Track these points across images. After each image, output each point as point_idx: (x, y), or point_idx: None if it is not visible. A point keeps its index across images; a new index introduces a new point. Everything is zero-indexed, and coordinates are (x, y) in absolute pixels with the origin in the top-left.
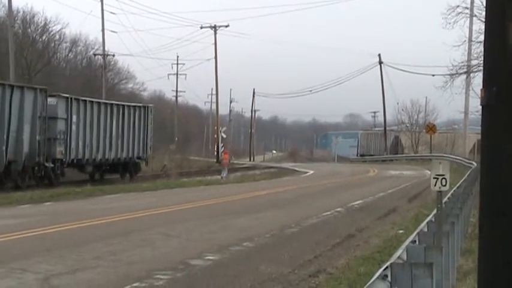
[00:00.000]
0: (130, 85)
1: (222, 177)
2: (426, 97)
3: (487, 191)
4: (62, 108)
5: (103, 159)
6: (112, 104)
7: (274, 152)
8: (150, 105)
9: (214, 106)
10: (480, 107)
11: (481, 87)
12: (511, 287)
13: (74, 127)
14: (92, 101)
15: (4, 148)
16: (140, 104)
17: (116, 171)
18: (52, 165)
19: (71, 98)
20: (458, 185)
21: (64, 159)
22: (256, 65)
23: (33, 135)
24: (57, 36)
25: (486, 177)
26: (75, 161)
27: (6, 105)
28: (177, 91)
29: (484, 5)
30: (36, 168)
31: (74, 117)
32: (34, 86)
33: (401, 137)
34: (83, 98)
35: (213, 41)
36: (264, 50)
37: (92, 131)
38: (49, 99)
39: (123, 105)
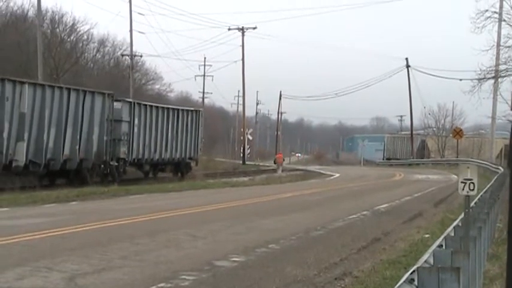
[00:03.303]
0: (157, 86)
1: (278, 174)
2: (453, 102)
3: None
4: (126, 112)
5: (159, 159)
6: (168, 108)
7: (298, 155)
8: (201, 109)
9: (240, 108)
10: (508, 112)
11: (509, 92)
12: None
13: (135, 129)
14: (152, 105)
15: (77, 147)
16: (192, 108)
17: (169, 170)
18: (116, 163)
19: (134, 103)
20: (485, 190)
21: (126, 159)
22: (283, 67)
23: (101, 136)
24: (85, 37)
25: None
26: (135, 160)
27: (79, 108)
28: (204, 92)
29: None
30: (102, 166)
31: (136, 120)
32: (103, 91)
33: (427, 141)
34: (144, 103)
35: (241, 43)
36: (291, 52)
37: (150, 133)
38: (115, 104)
39: (178, 109)
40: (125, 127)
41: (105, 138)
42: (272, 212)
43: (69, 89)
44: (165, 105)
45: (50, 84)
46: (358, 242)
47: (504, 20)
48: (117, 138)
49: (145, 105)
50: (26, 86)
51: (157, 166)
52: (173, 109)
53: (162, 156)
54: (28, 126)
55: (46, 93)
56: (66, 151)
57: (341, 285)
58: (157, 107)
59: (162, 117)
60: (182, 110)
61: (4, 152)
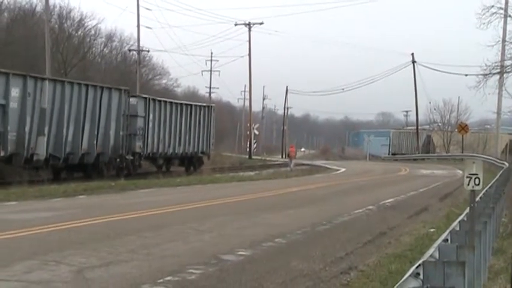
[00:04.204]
0: (164, 81)
1: (290, 169)
2: (459, 97)
3: None
4: (141, 107)
5: (173, 154)
6: (182, 103)
7: (303, 149)
8: (213, 105)
9: (247, 103)
10: None
11: None
12: None
13: (150, 124)
14: (166, 101)
15: (95, 142)
16: (204, 104)
17: (182, 164)
18: (132, 157)
19: (149, 98)
20: (490, 185)
21: (142, 153)
22: (290, 62)
23: (118, 131)
24: (93, 32)
25: None
26: (150, 154)
27: (97, 104)
28: (210, 87)
29: None
30: (118, 160)
31: (151, 116)
32: (119, 88)
33: (433, 136)
34: (158, 98)
35: (247, 38)
36: (298, 47)
37: (164, 128)
38: (131, 99)
39: (191, 105)
40: (140, 122)
41: (121, 133)
42: (278, 206)
43: (87, 85)
44: (179, 101)
45: (69, 80)
46: (363, 236)
47: (510, 16)
48: (133, 133)
49: (160, 100)
50: (47, 82)
51: (170, 160)
52: (186, 105)
53: (176, 151)
54: (48, 121)
55: (65, 89)
56: (84, 145)
57: (346, 279)
58: (171, 102)
59: (175, 113)
60: (195, 105)
61: (26, 145)
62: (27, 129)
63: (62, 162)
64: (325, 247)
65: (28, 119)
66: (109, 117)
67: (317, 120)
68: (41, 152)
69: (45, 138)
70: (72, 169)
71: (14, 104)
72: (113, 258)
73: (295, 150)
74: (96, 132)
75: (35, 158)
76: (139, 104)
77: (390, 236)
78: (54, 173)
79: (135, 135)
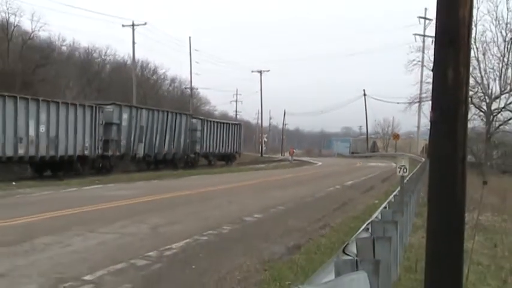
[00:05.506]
0: (207, 107)
1: (290, 162)
2: (393, 117)
3: (433, 175)
4: (199, 125)
5: (218, 153)
6: (224, 122)
7: (294, 150)
8: (241, 123)
9: (259, 121)
10: (429, 123)
11: (429, 110)
12: (447, 234)
13: (205, 135)
14: (213, 121)
15: (172, 146)
16: (236, 122)
17: (223, 159)
18: (193, 155)
19: (204, 119)
20: (413, 172)
21: (199, 152)
22: (287, 92)
23: (185, 139)
24: (162, 76)
25: (432, 167)
26: (204, 153)
27: (173, 123)
28: (236, 111)
29: (431, 59)
30: (185, 157)
31: (205, 130)
32: (186, 112)
33: (377, 141)
34: (209, 119)
35: (259, 79)
36: (293, 84)
37: (214, 138)
38: (193, 120)
39: (229, 123)
40: (198, 133)
41: (187, 140)
42: (279, 186)
43: (167, 111)
44: (221, 120)
45: (156, 108)
46: (333, 205)
47: (425, 66)
48: (194, 140)
49: (210, 120)
50: (144, 110)
51: (216, 157)
52: (226, 123)
53: (220, 151)
54: (144, 134)
55: (155, 114)
56: (166, 148)
57: (323, 232)
58: (217, 122)
59: (220, 128)
60: (231, 123)
61: (131, 148)
62: (132, 138)
63: (153, 158)
64: (309, 212)
65: (133, 132)
66: (180, 131)
67: (304, 131)
68: (140, 152)
69: (143, 144)
70: (159, 163)
71: (124, 123)
72: (174, 219)
73: (294, 150)
74: (172, 140)
75: (136, 156)
76: (198, 122)
77: (350, 205)
78: (147, 165)
79: (195, 142)
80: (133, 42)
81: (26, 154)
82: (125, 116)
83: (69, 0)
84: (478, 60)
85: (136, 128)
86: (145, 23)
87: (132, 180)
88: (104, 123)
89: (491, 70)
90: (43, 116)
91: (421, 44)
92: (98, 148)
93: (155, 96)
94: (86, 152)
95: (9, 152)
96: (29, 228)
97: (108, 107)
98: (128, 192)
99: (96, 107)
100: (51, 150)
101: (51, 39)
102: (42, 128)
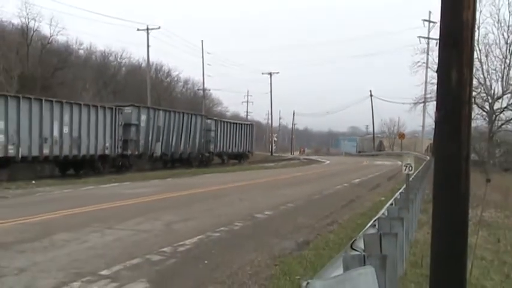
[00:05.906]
0: (219, 108)
1: (301, 160)
2: (399, 117)
3: (437, 173)
4: (213, 125)
5: (231, 152)
6: (236, 122)
7: (303, 149)
8: (253, 123)
9: (269, 121)
10: (433, 123)
11: (434, 110)
12: (451, 231)
13: (218, 135)
14: (227, 121)
15: (188, 145)
16: (248, 123)
17: (236, 158)
18: (208, 154)
19: (219, 120)
20: (418, 170)
21: (213, 152)
22: (296, 93)
23: (200, 139)
24: (176, 78)
25: (437, 165)
26: (218, 152)
27: (188, 123)
28: (247, 112)
29: (436, 60)
30: (200, 156)
31: (219, 130)
32: (200, 113)
33: (383, 141)
34: (223, 119)
35: (269, 81)
36: (301, 85)
37: (226, 137)
38: (207, 121)
39: (242, 124)
40: (212, 134)
41: (202, 140)
42: (288, 184)
43: (183, 112)
44: (234, 121)
45: (173, 110)
46: (341, 202)
47: (429, 67)
48: (208, 140)
49: (223, 121)
50: (161, 111)
51: (229, 156)
52: (239, 123)
53: (233, 150)
54: (161, 134)
55: (171, 115)
56: (182, 147)
57: (331, 229)
58: (230, 122)
59: (233, 128)
60: (244, 124)
61: (149, 148)
62: (150, 138)
63: (169, 157)
64: (317, 209)
65: (150, 132)
66: (195, 131)
67: (312, 131)
68: (158, 152)
69: (160, 144)
70: (175, 161)
71: (142, 124)
72: (188, 216)
73: (304, 149)
74: (188, 140)
75: (154, 155)
76: (212, 123)
77: (357, 202)
78: (164, 164)
79: (210, 141)
80: (148, 46)
81: (51, 154)
82: (143, 117)
83: (86, 5)
84: (481, 61)
85: (154, 128)
86: (159, 27)
87: (148, 179)
88: (123, 124)
89: (494, 71)
90: (66, 118)
91: (426, 46)
92: (117, 148)
93: (169, 97)
94: (107, 152)
95: (35, 152)
96: (47, 225)
97: (127, 108)
98: (143, 190)
99: (115, 109)
100: (74, 150)
101: (69, 43)
102: (66, 129)
